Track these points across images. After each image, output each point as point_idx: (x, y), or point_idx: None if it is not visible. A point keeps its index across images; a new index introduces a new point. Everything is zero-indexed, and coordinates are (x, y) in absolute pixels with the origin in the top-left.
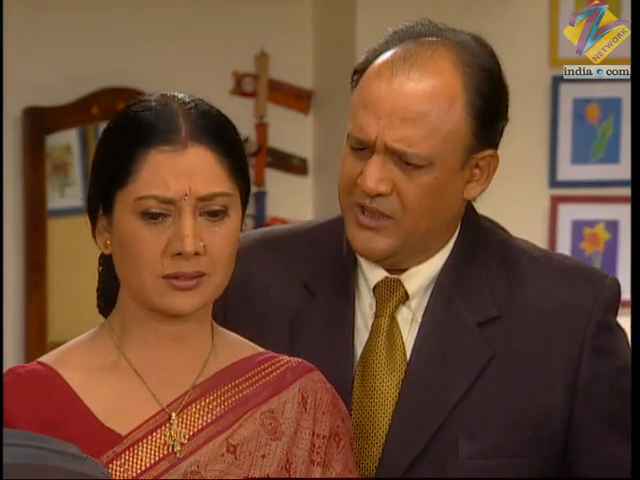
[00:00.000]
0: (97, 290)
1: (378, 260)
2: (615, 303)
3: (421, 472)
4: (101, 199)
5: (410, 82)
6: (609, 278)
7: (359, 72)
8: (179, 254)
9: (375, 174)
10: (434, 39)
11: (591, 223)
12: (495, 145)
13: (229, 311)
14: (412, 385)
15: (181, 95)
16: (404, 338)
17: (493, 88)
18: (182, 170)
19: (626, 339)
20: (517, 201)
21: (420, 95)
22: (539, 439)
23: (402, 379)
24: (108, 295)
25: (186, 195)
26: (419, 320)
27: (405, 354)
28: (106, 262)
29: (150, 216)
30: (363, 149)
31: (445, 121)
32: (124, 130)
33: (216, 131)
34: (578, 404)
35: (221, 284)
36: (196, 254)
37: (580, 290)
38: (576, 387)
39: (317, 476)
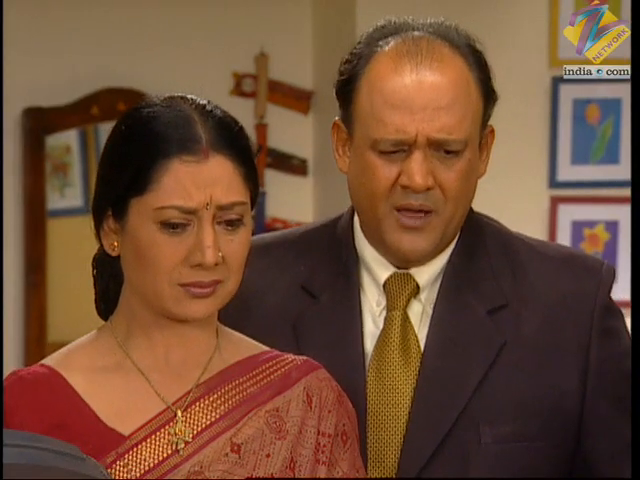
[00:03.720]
0: (95, 294)
1: (421, 260)
2: (612, 287)
3: (444, 459)
4: (112, 203)
5: (431, 72)
6: (605, 264)
7: (352, 82)
8: (199, 264)
9: (422, 169)
10: (417, 33)
11: (591, 224)
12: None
13: (226, 320)
14: (428, 375)
15: (191, 97)
16: (416, 330)
17: (484, 62)
18: (204, 180)
19: (625, 322)
20: (517, 201)
21: (444, 83)
22: (555, 423)
23: (418, 370)
24: (108, 297)
25: (207, 205)
26: (429, 312)
27: (419, 346)
28: (100, 264)
29: (171, 226)
30: (396, 151)
31: (469, 102)
32: (140, 136)
33: (233, 140)
34: (590, 386)
35: (233, 290)
36: (215, 264)
37: (582, 277)
38: (587, 370)
39: (322, 475)
